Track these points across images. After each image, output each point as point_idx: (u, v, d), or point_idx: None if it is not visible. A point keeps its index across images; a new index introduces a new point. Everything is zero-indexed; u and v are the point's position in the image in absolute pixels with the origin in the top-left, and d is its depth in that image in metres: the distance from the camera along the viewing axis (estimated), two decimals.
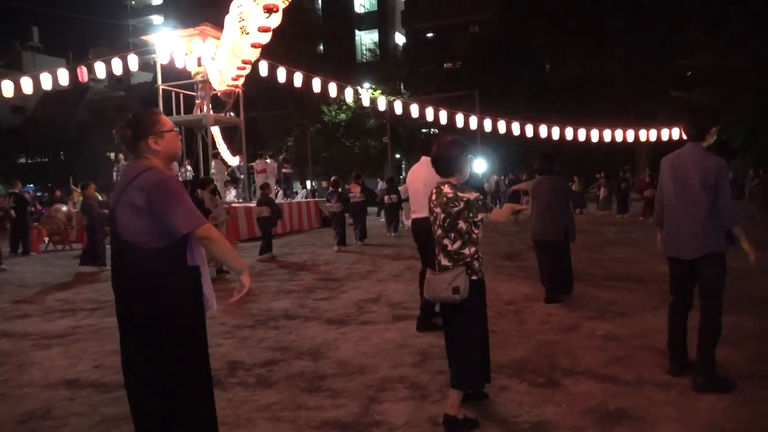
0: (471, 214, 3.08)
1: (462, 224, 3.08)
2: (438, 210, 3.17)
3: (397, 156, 35.38)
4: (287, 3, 4.57)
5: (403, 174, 32.68)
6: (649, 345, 4.47)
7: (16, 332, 5.77)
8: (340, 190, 12.83)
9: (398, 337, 4.99)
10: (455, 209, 3.08)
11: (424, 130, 33.05)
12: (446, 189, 3.15)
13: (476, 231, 3.12)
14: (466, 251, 3.10)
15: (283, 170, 18.78)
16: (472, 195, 3.10)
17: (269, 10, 4.58)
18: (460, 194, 3.09)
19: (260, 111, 28.96)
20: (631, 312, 5.56)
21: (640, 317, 5.35)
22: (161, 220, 2.39)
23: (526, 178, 11.70)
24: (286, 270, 9.38)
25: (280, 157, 18.54)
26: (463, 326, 3.19)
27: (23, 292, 8.22)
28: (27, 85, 12.19)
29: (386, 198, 15.18)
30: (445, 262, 3.14)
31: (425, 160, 5.22)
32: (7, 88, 11.87)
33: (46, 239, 14.28)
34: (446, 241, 3.13)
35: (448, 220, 3.11)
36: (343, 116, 31.96)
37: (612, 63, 25.64)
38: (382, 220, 17.95)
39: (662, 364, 3.95)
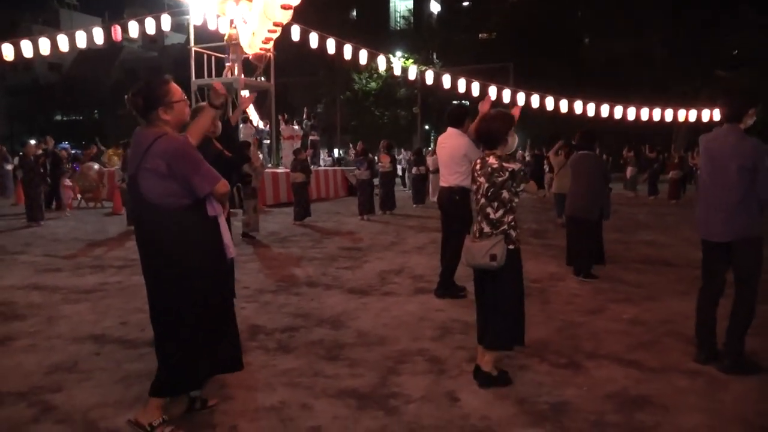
0: (514, 184, 3.21)
1: (506, 194, 3.21)
2: (482, 180, 3.29)
3: (426, 127, 35.02)
4: None
5: (432, 145, 32.40)
6: (676, 331, 4.36)
7: (48, 286, 5.92)
8: (367, 155, 12.75)
9: (419, 310, 4.97)
10: (500, 179, 3.20)
11: (455, 102, 32.62)
12: (491, 160, 3.27)
13: (516, 200, 3.25)
14: (506, 219, 3.23)
15: (311, 137, 18.73)
16: (517, 165, 3.24)
17: None
18: (505, 164, 3.22)
19: (290, 77, 28.82)
20: (659, 296, 5.43)
21: (667, 302, 5.22)
22: (183, 183, 2.60)
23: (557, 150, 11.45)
24: (310, 237, 9.42)
25: (308, 122, 18.47)
26: (499, 293, 3.31)
27: (55, 246, 8.43)
28: (63, 42, 12.28)
29: (414, 169, 15.11)
30: (487, 229, 3.26)
31: (452, 132, 5.26)
32: (44, 46, 11.98)
33: (79, 196, 14.60)
34: (489, 210, 3.25)
35: (492, 190, 3.23)
36: (373, 85, 31.65)
37: (654, 41, 24.70)
38: (407, 191, 17.90)
39: (689, 351, 3.85)
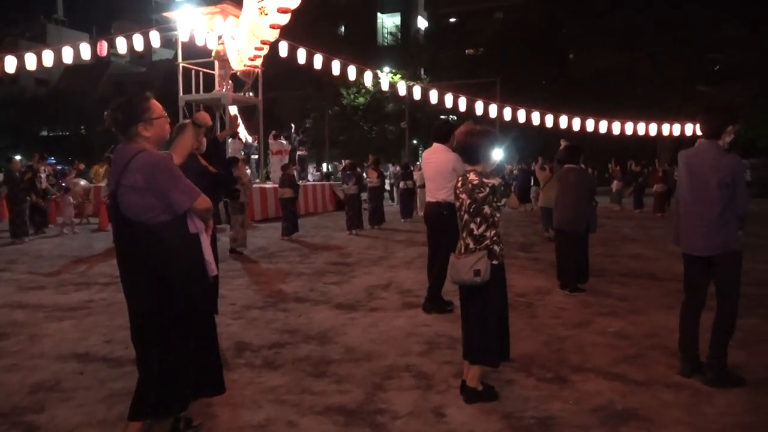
0: (495, 199, 3.24)
1: (487, 209, 3.25)
2: (464, 196, 3.33)
3: (415, 142, 35.20)
4: None
5: (420, 160, 32.52)
6: (660, 344, 4.39)
7: (31, 303, 5.85)
8: (355, 170, 12.79)
9: (407, 325, 4.97)
10: (481, 195, 3.24)
11: (442, 117, 32.83)
12: (472, 176, 3.31)
13: (498, 215, 3.28)
14: (489, 233, 3.27)
15: (299, 152, 18.75)
16: (497, 180, 3.28)
17: None
18: (485, 180, 3.26)
19: (279, 92, 28.90)
20: (644, 310, 5.48)
21: (652, 316, 5.26)
22: (162, 198, 2.57)
23: (539, 166, 11.62)
24: (299, 252, 9.40)
25: (297, 138, 18.50)
26: (482, 307, 3.33)
27: (39, 263, 8.34)
28: (49, 58, 12.26)
29: (402, 184, 15.17)
30: (471, 245, 3.29)
31: (438, 147, 5.31)
32: (30, 61, 11.95)
33: None
34: (472, 225, 3.29)
35: (474, 206, 3.27)
36: (361, 100, 31.82)
37: (638, 57, 25.13)
38: (395, 205, 17.95)
39: (673, 364, 3.88)
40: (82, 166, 15.90)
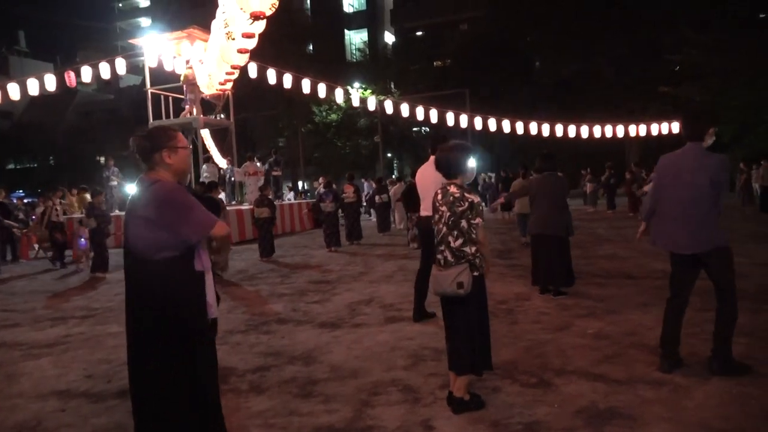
0: (473, 215, 3.28)
1: (464, 223, 3.28)
2: (444, 208, 3.37)
3: (389, 155, 35.38)
4: (274, 10, 4.54)
5: (395, 173, 32.67)
6: (639, 342, 4.49)
7: (6, 342, 5.72)
8: (332, 188, 12.82)
9: (390, 339, 4.99)
10: (460, 209, 3.28)
11: (415, 129, 33.09)
12: (453, 189, 3.36)
13: (475, 231, 3.30)
14: (467, 249, 3.29)
15: (273, 173, 18.72)
16: (476, 198, 3.32)
17: (256, 17, 4.56)
18: (466, 195, 3.30)
19: (250, 112, 28.84)
20: (622, 309, 5.59)
21: (630, 315, 5.37)
22: (172, 232, 2.51)
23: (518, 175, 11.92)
24: (278, 273, 9.36)
25: (270, 160, 18.47)
26: (465, 318, 3.37)
27: (12, 300, 8.15)
28: (14, 91, 12.09)
29: (377, 198, 15.24)
30: (450, 258, 3.32)
31: (434, 159, 5.26)
32: None
33: (36, 246, 14.16)
34: (450, 238, 3.32)
35: (452, 219, 3.31)
36: (333, 116, 31.91)
37: (600, 60, 25.76)
38: (372, 219, 18.02)
39: (653, 362, 3.97)
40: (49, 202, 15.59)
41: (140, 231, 2.53)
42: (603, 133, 15.49)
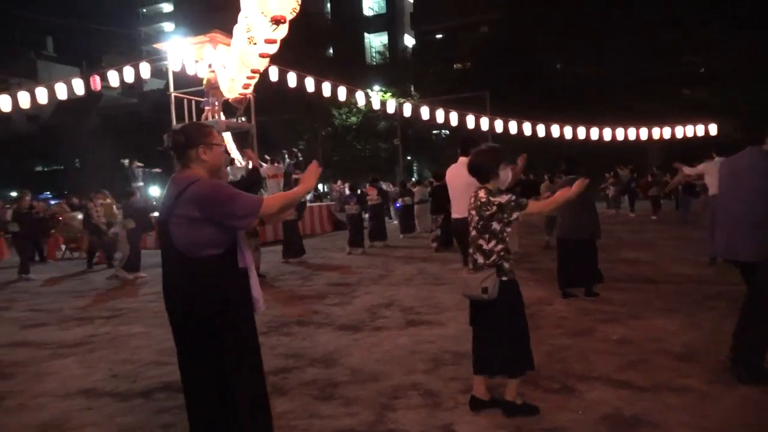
0: (504, 215, 3.27)
1: (495, 225, 3.30)
2: (473, 212, 3.42)
3: (408, 158, 35.37)
4: (295, 14, 4.59)
5: (414, 176, 32.65)
6: (663, 349, 4.42)
7: (34, 341, 5.84)
8: (358, 192, 13.01)
9: (410, 343, 4.98)
10: (488, 213, 3.31)
11: (435, 132, 33.05)
12: (481, 194, 3.40)
13: (508, 230, 3.31)
14: (497, 248, 3.30)
15: (294, 175, 18.83)
16: (504, 198, 3.30)
17: (277, 21, 4.61)
18: (492, 199, 3.31)
19: (270, 115, 29.08)
20: (645, 315, 5.51)
21: (653, 320, 5.30)
22: (221, 225, 2.51)
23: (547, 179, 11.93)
24: (299, 275, 9.41)
25: (291, 162, 18.59)
26: (490, 322, 3.38)
27: (40, 300, 8.33)
28: (42, 95, 12.36)
29: (400, 200, 15.40)
30: (480, 260, 3.34)
31: (463, 161, 5.30)
32: (24, 100, 12.04)
33: (63, 246, 14.47)
34: (481, 241, 3.35)
35: (481, 222, 3.34)
36: (353, 119, 32.02)
37: (617, 62, 25.45)
38: (395, 222, 18.08)
39: (677, 368, 3.92)
40: (75, 200, 15.89)
41: (183, 230, 2.49)
42: (626, 136, 15.30)
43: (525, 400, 3.42)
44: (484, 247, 3.32)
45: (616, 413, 3.32)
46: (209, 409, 2.58)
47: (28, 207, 11.19)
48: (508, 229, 3.32)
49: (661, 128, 15.99)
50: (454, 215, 5.45)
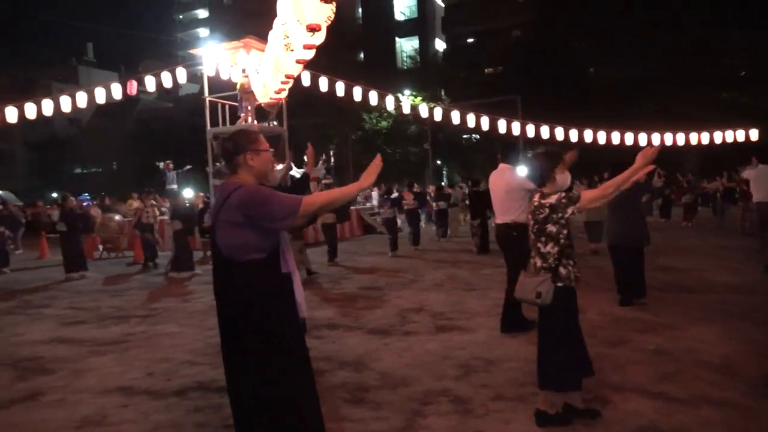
0: (558, 216, 3.23)
1: (551, 227, 3.27)
2: (530, 217, 3.43)
3: (438, 162, 35.27)
4: (330, 21, 4.64)
5: (444, 180, 32.54)
6: (701, 360, 4.31)
7: (73, 338, 6.02)
8: (392, 196, 13.13)
9: (441, 349, 4.97)
10: (541, 216, 3.31)
11: (465, 136, 32.88)
12: (535, 197, 3.41)
13: (564, 231, 3.23)
14: (554, 251, 3.26)
15: (324, 181, 18.98)
16: (553, 198, 3.26)
17: (312, 29, 4.67)
18: (543, 201, 3.30)
19: (300, 119, 29.37)
20: (681, 325, 5.38)
21: (690, 330, 5.16)
22: (263, 229, 2.55)
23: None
24: (329, 278, 9.47)
25: (324, 166, 18.75)
26: (547, 330, 3.35)
27: (79, 298, 8.57)
28: (82, 99, 12.71)
29: (434, 205, 15.49)
30: (539, 263, 3.33)
31: (503, 168, 5.36)
32: (65, 103, 12.41)
33: (100, 247, 14.86)
34: (539, 245, 3.34)
35: (537, 226, 3.35)
36: (384, 124, 32.11)
37: (655, 65, 24.91)
38: (423, 226, 18.17)
39: (716, 380, 3.81)
40: (107, 201, 16.26)
41: (227, 234, 2.56)
42: (662, 141, 14.94)
43: (558, 411, 3.35)
44: (542, 250, 3.31)
45: (651, 426, 3.25)
46: (250, 414, 2.60)
47: (75, 207, 11.60)
48: (565, 231, 3.26)
49: (699, 133, 15.57)
50: (496, 220, 5.50)
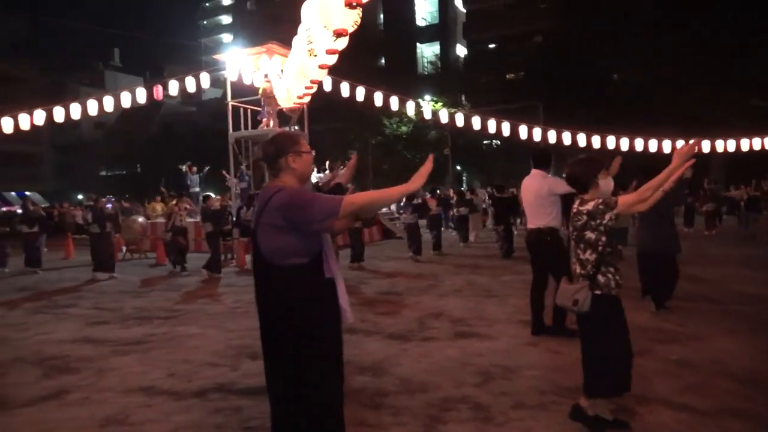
0: (596, 222, 3.17)
1: (589, 234, 3.22)
2: (571, 224, 3.39)
3: (458, 168, 35.20)
4: (356, 27, 4.68)
5: (464, 185, 32.43)
6: (725, 371, 4.24)
7: (97, 338, 6.12)
8: (414, 201, 13.18)
9: (460, 355, 4.95)
10: (579, 223, 3.27)
11: (485, 142, 32.75)
12: (575, 204, 3.35)
13: (604, 239, 3.16)
14: (592, 258, 3.20)
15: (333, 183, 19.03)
16: (590, 205, 3.20)
17: (339, 34, 4.71)
18: (581, 208, 3.26)
19: (320, 124, 29.56)
20: (705, 335, 5.29)
21: (715, 341, 5.07)
22: (304, 233, 2.52)
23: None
24: (348, 282, 9.43)
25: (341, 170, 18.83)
26: (585, 337, 3.34)
27: (103, 299, 8.72)
28: (109, 103, 12.97)
29: (455, 210, 15.51)
30: (578, 269, 3.30)
31: (536, 173, 5.40)
32: (92, 107, 12.67)
33: (124, 248, 15.11)
34: (578, 251, 3.31)
35: (575, 233, 3.32)
36: (404, 129, 32.15)
37: (684, 72, 24.51)
38: (452, 232, 18.19)
39: (740, 392, 3.74)
40: (126, 204, 16.50)
41: (268, 238, 2.54)
42: (697, 141, 14.67)
43: (597, 414, 3.31)
44: (581, 257, 3.27)
45: None
46: (289, 417, 2.62)
47: (102, 207, 11.89)
48: (604, 238, 3.17)
49: (725, 140, 15.29)
50: (528, 225, 5.53)
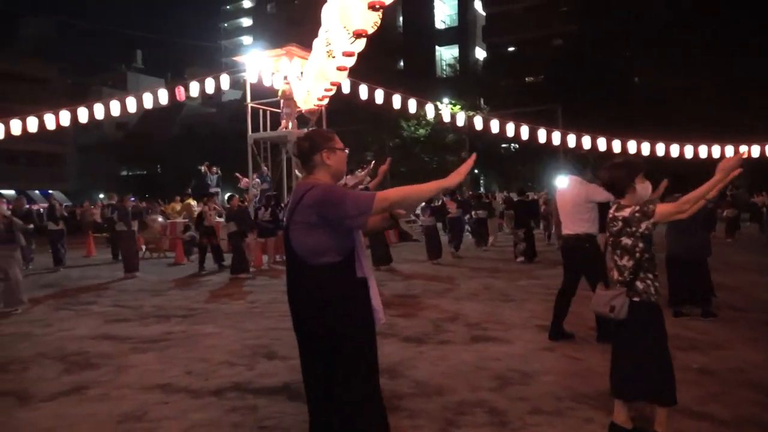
0: (633, 229, 3.11)
1: (626, 240, 3.15)
2: (607, 230, 3.32)
3: (475, 171, 35.07)
4: (375, 28, 4.70)
5: (482, 189, 32.29)
6: (747, 381, 4.15)
7: (117, 335, 6.21)
8: (433, 204, 13.22)
9: (476, 359, 4.92)
10: (614, 229, 3.21)
11: (503, 145, 32.58)
12: (611, 210, 3.28)
13: (641, 245, 3.10)
14: (629, 264, 3.13)
15: (360, 187, 19.07)
16: (627, 211, 3.14)
17: (359, 35, 4.73)
18: (616, 214, 3.19)
19: (338, 126, 29.68)
20: (728, 344, 5.19)
21: (737, 350, 4.98)
22: (337, 231, 2.50)
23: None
24: None
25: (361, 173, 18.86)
26: (621, 343, 3.26)
27: (123, 296, 8.84)
28: (131, 104, 13.16)
29: (474, 213, 15.48)
30: (616, 276, 3.24)
31: (573, 180, 5.49)
32: (114, 108, 12.88)
33: (143, 247, 15.31)
34: (615, 257, 3.23)
35: (612, 239, 3.25)
36: (422, 131, 32.13)
37: (705, 75, 24.14)
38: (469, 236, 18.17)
39: (763, 402, 3.66)
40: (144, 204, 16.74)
41: (302, 236, 2.53)
42: (710, 153, 14.48)
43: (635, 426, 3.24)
44: (618, 263, 3.20)
45: None
46: (322, 415, 2.62)
47: (126, 206, 12.11)
48: (641, 244, 3.09)
49: (749, 145, 15.02)
50: (565, 231, 5.50)
